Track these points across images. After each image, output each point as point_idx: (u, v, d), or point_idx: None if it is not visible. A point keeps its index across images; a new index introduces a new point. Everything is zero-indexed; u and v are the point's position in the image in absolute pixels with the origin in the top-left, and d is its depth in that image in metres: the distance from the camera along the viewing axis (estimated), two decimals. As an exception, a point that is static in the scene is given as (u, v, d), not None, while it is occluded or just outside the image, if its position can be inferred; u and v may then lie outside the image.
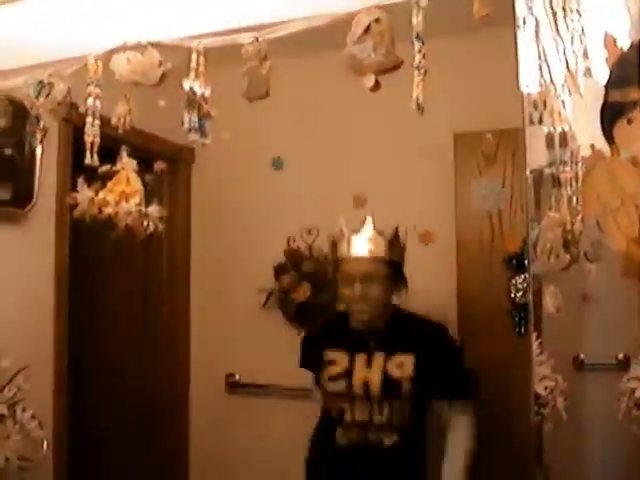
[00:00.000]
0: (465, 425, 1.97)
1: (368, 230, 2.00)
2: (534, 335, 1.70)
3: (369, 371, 1.96)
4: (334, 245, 2.07)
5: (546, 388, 1.65)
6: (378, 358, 1.97)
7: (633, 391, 1.56)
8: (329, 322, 2.18)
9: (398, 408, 1.95)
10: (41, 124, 2.12)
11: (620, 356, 1.72)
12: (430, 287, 2.35)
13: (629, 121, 1.32)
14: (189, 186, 2.91)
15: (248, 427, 2.71)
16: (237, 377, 2.79)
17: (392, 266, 2.01)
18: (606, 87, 1.36)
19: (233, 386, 2.78)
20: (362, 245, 1.99)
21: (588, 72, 1.50)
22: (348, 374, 1.98)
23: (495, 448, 2.08)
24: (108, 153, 1.92)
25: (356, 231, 2.00)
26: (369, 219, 2.01)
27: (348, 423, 1.97)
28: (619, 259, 1.39)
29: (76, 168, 1.96)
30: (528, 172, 1.68)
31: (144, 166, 2.14)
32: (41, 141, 2.13)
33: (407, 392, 1.93)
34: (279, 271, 2.73)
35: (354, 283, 1.97)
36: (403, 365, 1.95)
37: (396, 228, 2.01)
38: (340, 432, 1.98)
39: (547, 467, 1.69)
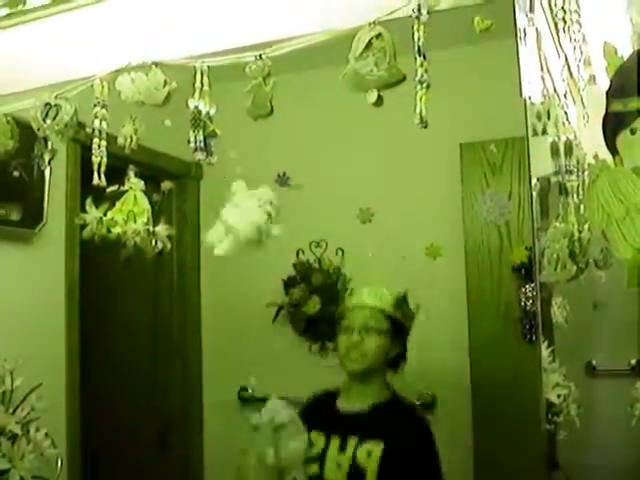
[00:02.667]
0: None
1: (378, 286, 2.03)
2: (545, 343, 1.69)
3: (341, 456, 1.90)
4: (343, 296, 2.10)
5: (559, 396, 1.64)
6: (351, 441, 1.91)
7: (647, 397, 1.55)
8: (317, 401, 2.11)
9: None
10: (49, 145, 2.14)
11: (633, 362, 1.71)
12: (439, 299, 2.35)
13: (632, 131, 1.32)
14: (198, 202, 2.92)
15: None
16: (250, 390, 2.78)
17: (395, 326, 2.01)
18: (607, 97, 1.37)
19: (246, 400, 2.78)
20: (366, 295, 2.02)
21: (592, 79, 1.51)
22: (322, 457, 1.92)
23: (506, 457, 2.07)
24: (117, 171, 1.94)
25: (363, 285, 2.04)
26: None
27: None
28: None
29: (85, 187, 1.97)
30: (535, 180, 1.68)
31: (153, 184, 2.16)
32: (49, 162, 2.14)
33: None
34: (289, 285, 2.73)
35: (353, 331, 1.98)
36: (371, 453, 1.88)
37: (405, 293, 2.02)
38: None
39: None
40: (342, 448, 1.91)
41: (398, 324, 2.01)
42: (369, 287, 2.03)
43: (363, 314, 2.00)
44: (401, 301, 2.01)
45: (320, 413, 2.04)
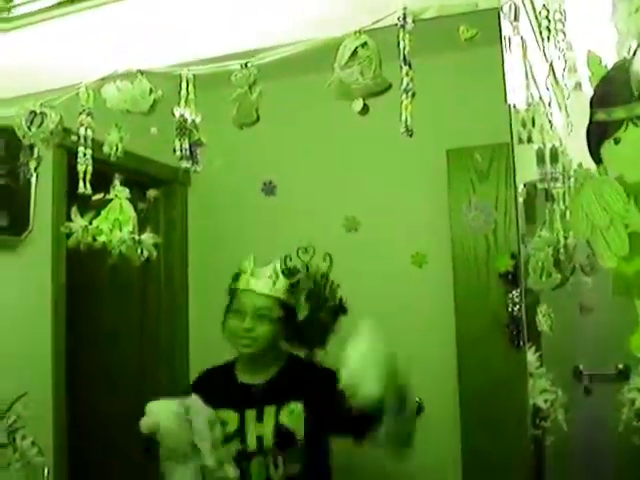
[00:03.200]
0: None
1: (272, 268, 2.00)
2: (532, 349, 1.70)
3: (261, 426, 1.92)
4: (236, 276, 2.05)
5: (546, 401, 1.64)
6: (269, 411, 1.93)
7: (633, 401, 1.55)
8: (211, 375, 2.10)
9: (295, 457, 1.90)
10: (35, 153, 2.13)
11: (620, 366, 1.72)
12: (426, 307, 2.36)
13: (616, 141, 1.33)
14: (186, 209, 2.92)
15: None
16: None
17: (287, 309, 2.01)
18: (591, 107, 1.37)
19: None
20: (262, 281, 1.99)
21: (578, 87, 1.51)
22: (240, 432, 1.92)
23: (494, 462, 2.08)
24: (104, 178, 1.93)
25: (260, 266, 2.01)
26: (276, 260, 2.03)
27: None
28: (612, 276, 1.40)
29: (72, 194, 1.96)
30: (521, 187, 1.69)
31: (139, 191, 2.16)
32: (35, 170, 2.13)
33: (300, 439, 1.90)
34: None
35: (245, 317, 1.96)
36: (294, 412, 1.91)
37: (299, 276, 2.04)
38: None
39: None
40: (259, 419, 1.93)
41: (291, 309, 2.03)
42: (263, 268, 2.01)
43: (257, 300, 1.98)
44: (295, 285, 2.04)
45: (220, 389, 2.02)
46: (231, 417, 1.93)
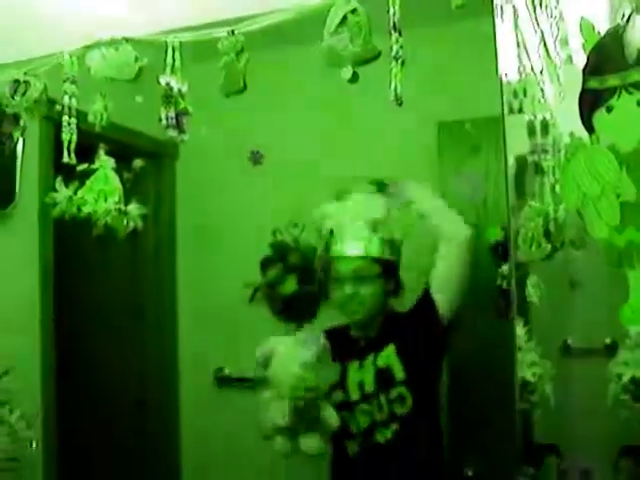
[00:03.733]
0: None
1: (359, 227, 1.98)
2: (521, 323, 1.70)
3: (362, 372, 1.97)
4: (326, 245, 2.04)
5: (534, 374, 1.65)
6: (369, 359, 1.97)
7: (620, 376, 1.56)
8: (330, 334, 2.07)
9: (398, 397, 1.93)
10: (20, 122, 2.10)
11: (608, 341, 1.72)
12: (415, 278, 2.35)
13: (608, 109, 1.32)
14: (174, 181, 2.90)
15: (237, 420, 2.70)
16: (226, 371, 2.78)
17: (385, 266, 1.99)
18: (584, 74, 1.35)
19: (222, 380, 2.78)
20: (352, 243, 1.98)
21: (569, 59, 1.50)
22: (342, 383, 1.95)
23: (481, 434, 2.08)
24: (91, 150, 1.91)
25: (345, 228, 1.99)
26: (359, 216, 1.99)
27: (354, 433, 1.96)
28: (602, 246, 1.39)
29: (59, 166, 1.94)
30: (512, 160, 1.68)
31: (125, 162, 2.13)
32: (20, 140, 2.11)
33: (400, 377, 1.93)
34: (265, 265, 2.71)
35: (345, 284, 1.96)
36: (390, 356, 1.95)
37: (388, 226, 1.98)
38: (349, 444, 1.98)
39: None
40: (360, 367, 1.97)
41: (389, 264, 2.00)
42: (353, 233, 1.99)
43: (353, 265, 1.97)
44: (387, 241, 1.98)
45: (334, 346, 2.00)
46: (333, 369, 1.94)
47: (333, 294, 2.00)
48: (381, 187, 2.06)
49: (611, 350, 1.66)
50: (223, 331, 2.73)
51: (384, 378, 1.95)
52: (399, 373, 1.93)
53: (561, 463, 1.71)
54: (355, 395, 1.96)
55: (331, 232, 2.02)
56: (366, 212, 2.00)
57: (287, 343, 1.93)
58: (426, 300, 1.97)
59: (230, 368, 2.76)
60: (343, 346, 2.02)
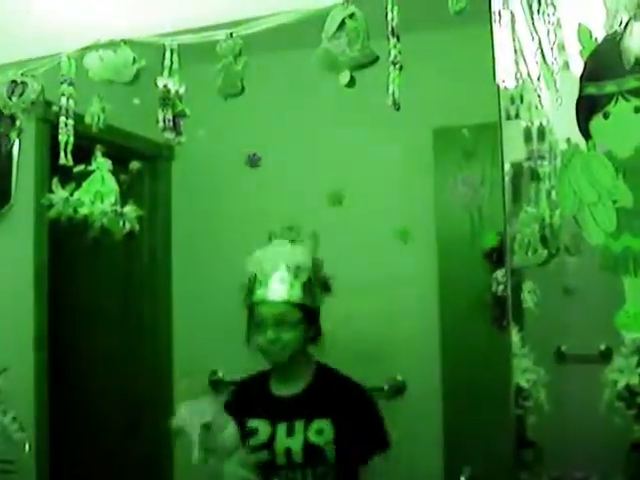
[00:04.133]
0: None
1: (282, 273, 1.98)
2: (515, 329, 1.70)
3: (291, 439, 1.92)
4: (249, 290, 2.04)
5: (528, 381, 1.65)
6: (299, 425, 1.93)
7: (615, 382, 1.56)
8: (247, 386, 2.12)
9: (324, 474, 1.90)
10: (17, 124, 2.10)
11: (602, 347, 1.72)
12: (410, 283, 2.36)
13: (605, 115, 1.32)
14: (169, 184, 2.89)
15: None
16: (220, 374, 2.77)
17: (307, 312, 1.98)
18: (581, 81, 1.36)
19: (216, 383, 2.77)
20: (275, 289, 1.97)
21: (566, 65, 1.50)
22: (270, 444, 1.92)
23: (477, 442, 2.08)
24: (87, 151, 1.91)
25: (268, 274, 1.99)
26: (282, 262, 2.00)
27: None
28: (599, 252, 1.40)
29: (55, 167, 1.94)
30: (508, 166, 1.68)
31: (122, 164, 2.13)
32: (16, 141, 2.10)
33: (330, 458, 1.89)
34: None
35: (267, 328, 1.95)
36: (322, 431, 1.91)
37: (312, 275, 2.00)
38: None
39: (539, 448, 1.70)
40: (290, 432, 1.92)
41: (310, 311, 2.00)
42: (273, 275, 1.98)
43: (274, 310, 1.97)
44: (308, 285, 1.99)
45: (254, 399, 2.04)
46: (263, 427, 1.94)
47: (255, 338, 2.00)
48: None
49: (606, 357, 1.66)
50: (218, 334, 2.73)
51: (314, 454, 1.91)
52: (331, 454, 1.90)
53: (554, 470, 1.71)
54: (281, 460, 1.91)
55: (254, 277, 2.01)
56: (289, 258, 2.01)
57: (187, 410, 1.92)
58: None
59: (224, 371, 2.76)
60: (263, 401, 2.02)
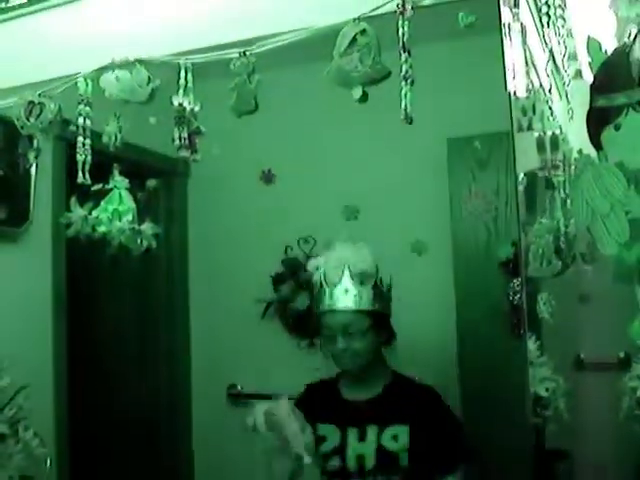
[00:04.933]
0: None
1: (347, 280, 1.94)
2: (532, 337, 1.70)
3: (362, 445, 1.90)
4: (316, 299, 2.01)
5: (547, 389, 1.64)
6: (372, 430, 1.90)
7: (634, 390, 1.55)
8: (315, 391, 2.09)
9: None
10: (34, 144, 2.12)
11: (621, 355, 1.71)
12: (426, 295, 2.36)
13: (616, 127, 1.32)
14: (186, 200, 2.91)
15: (251, 437, 2.70)
16: (239, 387, 2.78)
17: (376, 317, 1.96)
18: (591, 92, 1.37)
19: (235, 397, 2.78)
20: (342, 297, 1.94)
21: (579, 74, 1.50)
22: (341, 450, 1.90)
23: (495, 451, 2.08)
24: (104, 169, 1.93)
25: (333, 282, 1.95)
26: (346, 269, 1.95)
27: None
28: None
29: (72, 185, 1.96)
30: (521, 175, 1.68)
31: (139, 182, 2.15)
32: (34, 161, 2.13)
33: (404, 465, 1.87)
34: (277, 281, 2.73)
35: (336, 338, 1.93)
36: (398, 437, 1.88)
37: (378, 278, 1.97)
38: None
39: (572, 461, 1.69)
40: (361, 438, 1.90)
41: (379, 316, 1.97)
42: (342, 285, 1.94)
43: (343, 319, 1.94)
44: (375, 290, 1.95)
45: (324, 404, 2.01)
46: (332, 433, 1.92)
47: (326, 347, 1.99)
48: None
49: (624, 364, 1.66)
50: (236, 347, 2.74)
51: (388, 461, 1.88)
52: (404, 462, 1.87)
53: (575, 479, 1.70)
54: (352, 467, 1.89)
55: (320, 285, 1.99)
56: (353, 264, 1.97)
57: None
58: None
59: (242, 384, 2.76)
60: (334, 406, 1.99)
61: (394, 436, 1.88)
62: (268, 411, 1.79)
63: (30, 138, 2.07)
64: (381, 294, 1.97)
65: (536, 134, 1.63)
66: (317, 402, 2.02)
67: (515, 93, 1.56)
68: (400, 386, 2.00)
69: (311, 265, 2.06)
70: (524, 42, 1.54)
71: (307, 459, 1.74)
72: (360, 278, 1.94)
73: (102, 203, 1.94)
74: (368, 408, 1.96)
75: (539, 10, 1.49)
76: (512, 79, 1.55)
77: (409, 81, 1.45)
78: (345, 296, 1.93)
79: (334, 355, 1.97)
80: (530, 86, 1.57)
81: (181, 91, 1.69)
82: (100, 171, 1.91)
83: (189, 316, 2.90)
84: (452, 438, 1.91)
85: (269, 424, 1.78)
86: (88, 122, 1.79)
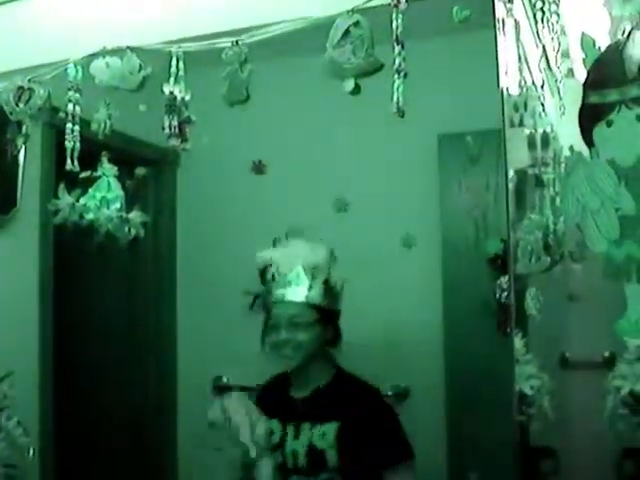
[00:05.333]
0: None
1: (299, 273, 1.95)
2: (519, 335, 1.70)
3: (296, 442, 1.90)
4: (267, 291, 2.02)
5: (532, 387, 1.65)
6: (305, 428, 1.90)
7: (619, 389, 1.56)
8: (269, 387, 2.10)
9: None
10: (23, 129, 2.11)
11: (606, 354, 1.72)
12: (414, 290, 2.36)
13: (608, 123, 1.33)
14: (175, 189, 2.90)
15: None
16: (225, 380, 2.78)
17: (323, 313, 1.96)
18: (584, 89, 1.37)
19: (221, 389, 2.77)
20: (291, 289, 1.95)
21: (570, 73, 1.50)
22: (281, 446, 1.90)
23: (480, 448, 2.08)
24: (93, 157, 1.92)
25: (285, 274, 1.96)
26: (299, 261, 1.97)
27: None
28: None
29: (60, 172, 1.95)
30: (511, 172, 1.68)
31: (128, 170, 2.14)
32: (23, 147, 2.11)
33: (333, 463, 1.85)
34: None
35: (281, 328, 1.93)
36: (326, 434, 1.87)
37: (331, 276, 1.97)
38: None
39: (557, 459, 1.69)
40: (296, 435, 1.90)
41: (327, 312, 1.97)
42: (290, 275, 1.96)
43: (289, 310, 1.95)
44: (327, 288, 1.96)
45: (274, 401, 2.01)
46: (277, 428, 1.92)
47: (269, 337, 1.98)
48: None
49: (609, 363, 1.66)
50: (222, 339, 2.73)
51: (316, 459, 1.87)
52: (332, 460, 1.86)
53: (558, 477, 1.71)
54: (289, 463, 1.89)
55: (272, 277, 1.99)
56: (306, 258, 1.97)
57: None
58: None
59: (229, 376, 2.76)
60: (280, 402, 1.99)
61: (323, 434, 1.88)
62: (223, 405, 1.83)
63: (19, 124, 2.07)
64: (331, 291, 1.97)
65: (527, 131, 1.63)
66: (269, 397, 2.04)
67: (507, 89, 1.56)
68: (338, 384, 1.98)
69: (260, 258, 2.06)
70: (517, 38, 1.54)
71: (252, 452, 1.77)
72: (312, 272, 1.95)
73: (90, 190, 1.92)
74: (303, 405, 1.96)
75: (533, 6, 1.49)
76: (505, 75, 1.55)
77: (402, 74, 1.45)
78: (295, 288, 1.94)
79: (276, 346, 1.95)
80: (522, 83, 1.57)
81: (172, 79, 1.68)
82: (89, 159, 1.90)
83: (176, 307, 2.89)
84: (388, 433, 1.89)
85: (225, 417, 1.81)
86: (78, 109, 1.79)
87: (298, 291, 1.94)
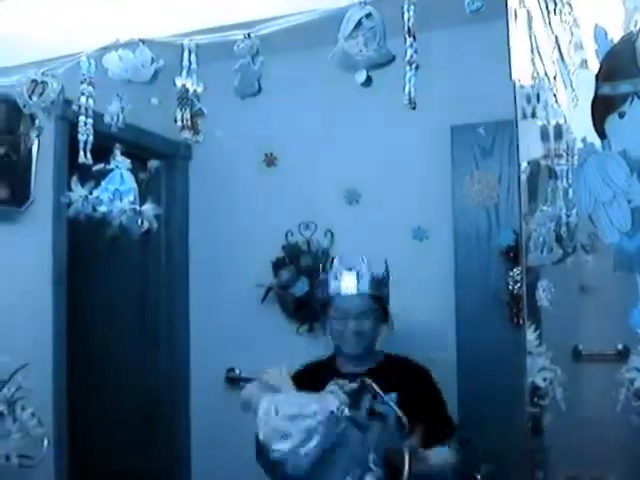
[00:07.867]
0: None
1: (359, 265, 2.05)
2: (532, 327, 1.70)
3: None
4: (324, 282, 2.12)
5: (545, 379, 1.64)
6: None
7: (632, 381, 1.55)
8: (314, 367, 2.16)
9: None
10: (36, 122, 2.12)
11: (619, 347, 1.71)
12: (426, 281, 2.36)
13: (620, 115, 1.32)
14: (187, 182, 2.91)
15: (249, 420, 2.71)
16: (237, 371, 2.79)
17: (379, 302, 2.08)
18: (597, 81, 1.36)
19: (233, 380, 2.79)
20: (354, 283, 2.05)
21: (584, 64, 1.49)
22: None
23: (491, 439, 2.08)
24: (105, 150, 1.93)
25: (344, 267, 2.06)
26: (359, 258, 2.05)
27: None
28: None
29: (73, 165, 1.96)
30: (524, 164, 1.68)
31: (140, 163, 2.15)
32: (36, 140, 2.12)
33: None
34: (277, 266, 2.73)
35: (348, 320, 2.03)
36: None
37: (386, 268, 2.08)
38: None
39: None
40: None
41: (383, 300, 2.09)
42: (353, 270, 2.05)
43: (356, 301, 2.05)
44: (382, 278, 2.08)
45: (323, 378, 1.95)
46: None
47: (336, 330, 2.08)
48: None
49: (623, 356, 1.66)
50: (235, 331, 2.74)
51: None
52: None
53: (570, 469, 1.71)
54: None
55: (330, 269, 2.10)
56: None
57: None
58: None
59: (241, 368, 2.77)
60: (331, 378, 1.92)
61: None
62: (263, 379, 1.85)
63: (32, 117, 2.07)
64: (385, 280, 2.09)
65: (540, 123, 1.62)
66: (316, 376, 2.02)
67: (520, 81, 1.55)
68: (393, 362, 2.11)
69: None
70: (530, 29, 1.53)
71: None
72: (369, 264, 2.06)
73: (103, 183, 1.93)
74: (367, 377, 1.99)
75: (545, -3, 1.49)
76: (517, 67, 1.55)
77: (413, 66, 1.45)
78: (360, 281, 2.05)
79: (344, 337, 2.06)
80: (535, 74, 1.56)
81: (184, 72, 1.68)
82: (102, 151, 1.90)
83: (189, 299, 2.91)
84: (440, 411, 2.02)
85: (264, 390, 1.82)
86: (90, 102, 1.79)
87: (363, 284, 2.05)
